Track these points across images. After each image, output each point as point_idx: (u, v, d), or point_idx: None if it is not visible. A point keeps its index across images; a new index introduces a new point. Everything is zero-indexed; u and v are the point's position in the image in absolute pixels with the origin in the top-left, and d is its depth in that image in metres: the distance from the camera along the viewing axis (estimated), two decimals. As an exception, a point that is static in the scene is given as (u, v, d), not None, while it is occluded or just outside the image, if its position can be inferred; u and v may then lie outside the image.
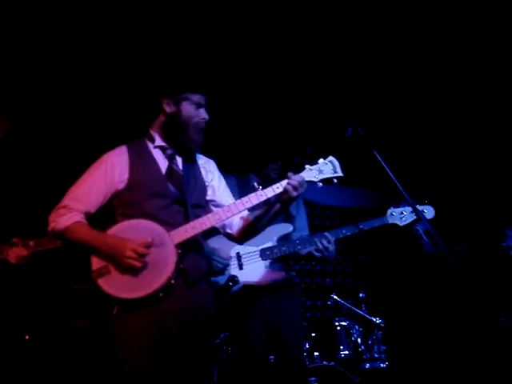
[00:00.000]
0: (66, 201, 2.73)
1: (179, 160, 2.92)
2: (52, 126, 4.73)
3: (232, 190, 3.22)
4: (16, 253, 3.43)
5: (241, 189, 3.64)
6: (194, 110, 2.84)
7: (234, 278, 3.51)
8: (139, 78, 4.57)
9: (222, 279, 3.51)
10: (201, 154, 3.05)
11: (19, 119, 3.88)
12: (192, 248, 2.77)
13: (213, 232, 3.23)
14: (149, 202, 2.75)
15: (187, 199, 2.80)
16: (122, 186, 2.77)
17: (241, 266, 3.57)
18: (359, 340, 4.80)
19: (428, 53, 5.24)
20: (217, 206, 2.96)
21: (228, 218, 2.80)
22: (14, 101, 4.30)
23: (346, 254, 6.61)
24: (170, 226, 2.70)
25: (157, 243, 2.63)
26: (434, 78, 5.52)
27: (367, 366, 4.81)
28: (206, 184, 2.98)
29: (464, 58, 5.30)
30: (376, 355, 4.82)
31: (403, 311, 6.19)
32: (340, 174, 2.85)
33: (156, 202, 2.75)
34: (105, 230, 2.72)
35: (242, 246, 3.56)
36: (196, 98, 2.83)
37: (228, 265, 3.50)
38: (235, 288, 3.51)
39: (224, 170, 3.21)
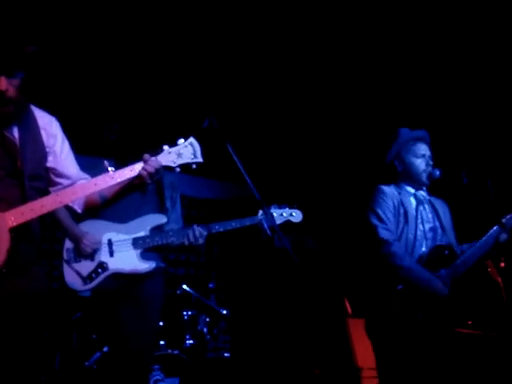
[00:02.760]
0: None
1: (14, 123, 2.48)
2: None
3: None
4: None
5: None
6: None
7: (103, 265, 3.44)
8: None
9: (91, 264, 3.42)
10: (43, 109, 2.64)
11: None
12: (27, 230, 2.45)
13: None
14: None
15: (24, 171, 2.44)
16: None
17: (112, 253, 3.48)
18: (205, 330, 4.89)
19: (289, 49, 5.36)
20: (58, 175, 2.65)
21: (72, 201, 2.57)
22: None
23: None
24: (4, 202, 2.38)
25: None
26: (304, 73, 5.66)
27: (211, 355, 4.92)
28: (47, 150, 2.60)
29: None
30: (220, 345, 4.95)
31: (250, 303, 6.37)
32: (200, 159, 2.72)
33: None
34: None
35: (115, 233, 3.50)
36: None
37: (97, 250, 3.39)
38: (104, 274, 3.44)
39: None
